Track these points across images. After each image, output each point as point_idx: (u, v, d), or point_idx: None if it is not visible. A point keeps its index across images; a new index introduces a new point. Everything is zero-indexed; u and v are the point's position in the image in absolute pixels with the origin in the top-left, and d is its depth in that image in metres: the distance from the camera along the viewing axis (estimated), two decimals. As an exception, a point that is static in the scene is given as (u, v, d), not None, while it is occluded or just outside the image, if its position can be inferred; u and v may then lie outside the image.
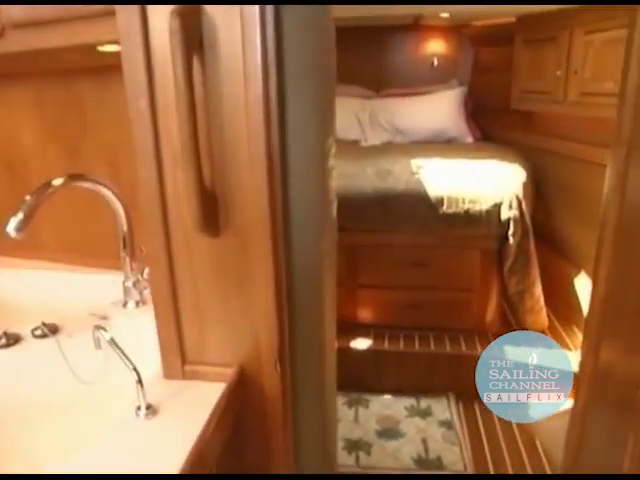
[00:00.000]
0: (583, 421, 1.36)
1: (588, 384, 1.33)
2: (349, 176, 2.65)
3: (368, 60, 4.31)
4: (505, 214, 2.45)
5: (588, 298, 1.30)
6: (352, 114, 3.91)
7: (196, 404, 0.91)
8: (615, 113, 2.48)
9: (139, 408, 0.89)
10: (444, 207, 2.49)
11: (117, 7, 0.78)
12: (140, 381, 0.88)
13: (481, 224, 2.49)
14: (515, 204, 2.44)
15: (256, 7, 0.73)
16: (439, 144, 3.55)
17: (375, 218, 2.59)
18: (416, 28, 4.15)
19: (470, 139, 3.70)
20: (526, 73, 3.33)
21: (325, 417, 1.21)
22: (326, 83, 0.93)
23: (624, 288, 1.15)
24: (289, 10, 0.80)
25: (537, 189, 3.10)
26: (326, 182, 0.98)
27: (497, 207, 2.46)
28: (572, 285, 2.90)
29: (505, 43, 3.53)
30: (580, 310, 2.78)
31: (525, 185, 2.64)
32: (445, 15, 3.51)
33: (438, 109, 3.78)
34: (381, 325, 2.82)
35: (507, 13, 3.32)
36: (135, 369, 0.88)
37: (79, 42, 0.95)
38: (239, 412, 0.99)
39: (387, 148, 3.33)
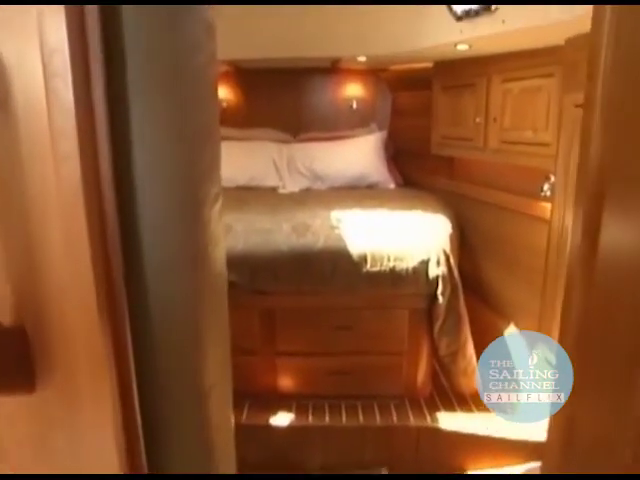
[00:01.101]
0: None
1: (559, 447, 1.08)
2: (265, 232, 2.39)
3: (286, 103, 4.15)
4: (433, 271, 2.26)
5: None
6: (269, 159, 3.70)
7: None
8: (534, 161, 2.38)
9: None
10: (368, 265, 2.27)
11: None
12: None
13: (408, 283, 2.29)
14: (443, 260, 2.26)
15: (65, 47, 0.45)
16: (360, 190, 3.39)
17: (294, 279, 2.32)
18: (334, 71, 4.05)
19: (392, 185, 3.57)
20: (446, 119, 3.25)
21: None
22: (203, 148, 0.66)
23: (595, 348, 0.93)
24: (134, 45, 0.53)
25: (462, 238, 2.98)
26: (206, 275, 0.70)
27: (424, 264, 2.27)
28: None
29: (423, 88, 3.46)
30: (513, 367, 2.63)
31: (451, 237, 2.49)
32: (362, 59, 3.39)
33: (358, 154, 3.64)
34: (304, 395, 2.53)
35: (424, 58, 3.24)
36: None
37: None
38: None
39: (305, 198, 3.11)
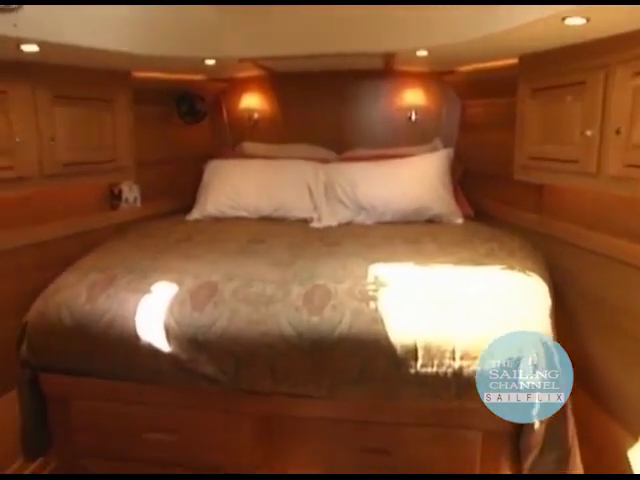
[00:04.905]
0: None
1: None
2: (263, 301, 1.59)
3: (328, 113, 3.48)
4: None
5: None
6: (302, 184, 2.94)
7: None
8: None
9: None
10: (418, 364, 1.43)
11: None
12: None
13: (483, 394, 1.43)
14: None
15: None
16: (417, 227, 2.55)
17: (301, 377, 1.51)
18: (388, 74, 3.34)
19: (459, 219, 2.73)
20: (537, 133, 2.37)
21: None
22: None
23: None
24: None
25: (558, 300, 2.08)
26: None
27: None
28: (626, 461, 1.83)
29: (504, 93, 2.62)
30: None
31: (551, 313, 1.61)
32: (423, 53, 2.57)
33: (416, 178, 2.81)
34: None
35: (508, 51, 2.37)
36: None
37: None
38: None
39: (342, 237, 2.31)
